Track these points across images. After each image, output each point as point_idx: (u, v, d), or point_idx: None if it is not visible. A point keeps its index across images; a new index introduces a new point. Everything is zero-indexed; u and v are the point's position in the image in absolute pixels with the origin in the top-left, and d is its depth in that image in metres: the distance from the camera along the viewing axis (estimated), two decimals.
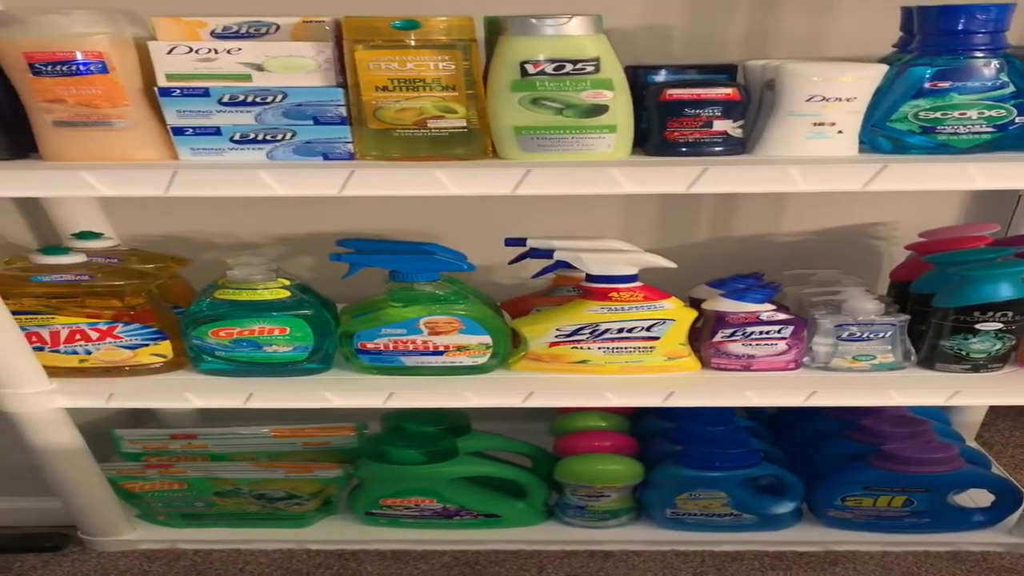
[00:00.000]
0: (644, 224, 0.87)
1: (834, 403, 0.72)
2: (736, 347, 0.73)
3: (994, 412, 1.01)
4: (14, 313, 0.70)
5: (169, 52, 0.58)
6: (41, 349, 0.73)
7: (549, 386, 0.73)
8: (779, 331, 0.73)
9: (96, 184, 0.61)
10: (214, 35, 0.59)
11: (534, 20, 0.57)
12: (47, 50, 0.57)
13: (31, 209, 0.87)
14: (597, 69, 0.58)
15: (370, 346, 0.73)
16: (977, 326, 0.70)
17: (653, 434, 0.84)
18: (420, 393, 0.73)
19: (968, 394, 0.71)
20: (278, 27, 0.60)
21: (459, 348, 0.73)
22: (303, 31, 0.60)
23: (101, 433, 0.83)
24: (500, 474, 0.81)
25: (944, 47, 0.60)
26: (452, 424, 0.82)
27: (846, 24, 0.78)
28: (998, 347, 0.71)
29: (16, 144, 0.63)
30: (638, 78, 0.64)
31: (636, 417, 0.87)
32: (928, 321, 0.72)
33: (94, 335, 0.72)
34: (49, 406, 0.74)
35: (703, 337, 0.74)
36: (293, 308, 0.72)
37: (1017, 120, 0.61)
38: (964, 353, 0.72)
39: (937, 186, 0.61)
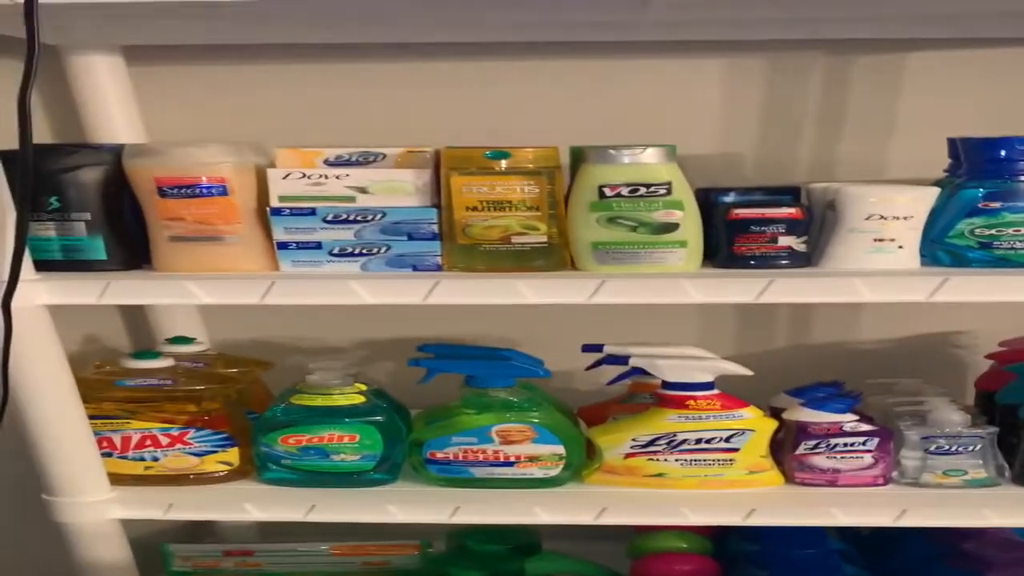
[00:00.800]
0: (721, 333, 1.12)
1: (926, 523, 0.88)
2: (820, 460, 0.92)
3: None
4: (92, 417, 0.92)
5: (284, 177, 0.85)
6: (110, 455, 0.94)
7: (623, 502, 0.90)
8: (864, 443, 0.91)
9: (199, 293, 0.86)
10: (327, 163, 0.87)
11: (612, 151, 0.84)
12: (175, 175, 0.85)
13: (130, 314, 1.13)
14: (669, 192, 0.84)
15: (439, 455, 0.93)
16: None
17: (736, 557, 1.00)
18: (487, 508, 0.91)
19: None
20: (384, 156, 0.87)
21: (531, 458, 0.92)
22: (406, 159, 0.87)
23: (149, 547, 1.03)
24: None
25: (990, 172, 0.85)
26: (520, 542, 1.00)
27: (904, 150, 1.06)
28: None
29: (130, 256, 0.90)
30: (709, 198, 0.90)
31: (717, 537, 1.03)
32: (1018, 433, 0.91)
33: (164, 440, 0.94)
34: (104, 516, 0.93)
35: (786, 449, 0.93)
36: (365, 414, 0.93)
37: None
38: None
39: (999, 298, 0.83)
